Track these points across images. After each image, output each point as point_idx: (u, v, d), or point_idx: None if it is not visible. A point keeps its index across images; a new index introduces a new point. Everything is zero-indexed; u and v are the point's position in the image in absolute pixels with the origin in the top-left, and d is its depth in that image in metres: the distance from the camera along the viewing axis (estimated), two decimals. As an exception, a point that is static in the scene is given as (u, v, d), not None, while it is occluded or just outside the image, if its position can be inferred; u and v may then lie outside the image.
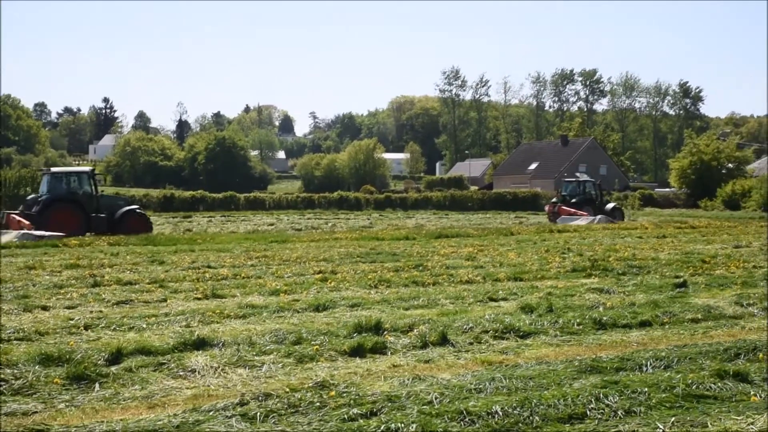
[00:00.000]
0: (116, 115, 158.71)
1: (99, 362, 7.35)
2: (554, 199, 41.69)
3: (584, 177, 45.10)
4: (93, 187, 27.77)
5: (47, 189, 27.17)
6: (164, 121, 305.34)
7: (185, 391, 6.63)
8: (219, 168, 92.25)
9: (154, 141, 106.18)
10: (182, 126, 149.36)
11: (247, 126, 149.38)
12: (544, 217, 44.73)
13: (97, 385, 6.74)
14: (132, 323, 9.44)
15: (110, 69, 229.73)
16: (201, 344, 8.09)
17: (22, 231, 24.16)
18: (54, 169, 29.11)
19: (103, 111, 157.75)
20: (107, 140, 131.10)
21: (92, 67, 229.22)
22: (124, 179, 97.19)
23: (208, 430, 5.28)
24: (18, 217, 25.85)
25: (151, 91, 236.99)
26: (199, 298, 11.67)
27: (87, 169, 30.60)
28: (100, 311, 10.45)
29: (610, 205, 41.13)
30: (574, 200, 39.73)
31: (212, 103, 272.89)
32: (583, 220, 36.06)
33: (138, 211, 29.22)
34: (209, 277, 14.24)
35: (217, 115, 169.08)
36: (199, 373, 7.13)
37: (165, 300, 11.46)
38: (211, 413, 5.73)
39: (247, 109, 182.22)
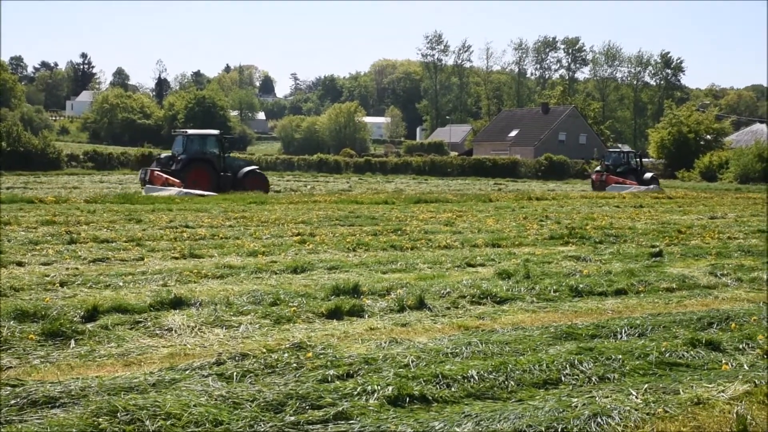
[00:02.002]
0: (94, 71, 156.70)
1: (75, 319, 7.31)
2: (598, 168, 43.25)
3: (626, 148, 46.75)
4: (220, 149, 29.89)
5: (183, 149, 29.20)
6: (143, 78, 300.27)
7: (161, 350, 6.62)
8: (198, 127, 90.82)
9: (133, 98, 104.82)
10: (161, 84, 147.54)
11: (227, 86, 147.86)
12: (523, 184, 45.00)
13: (72, 341, 6.71)
14: (108, 281, 9.39)
15: (88, 24, 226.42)
16: (178, 303, 8.06)
17: (183, 189, 26.31)
18: (189, 132, 31.35)
19: (81, 66, 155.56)
20: (85, 96, 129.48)
21: (70, 21, 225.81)
22: (101, 137, 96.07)
23: (184, 388, 5.27)
24: (165, 175, 28.03)
25: (130, 48, 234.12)
26: (176, 258, 11.62)
27: (216, 132, 32.39)
28: (76, 268, 10.38)
29: (648, 175, 42.73)
30: (619, 170, 41.55)
31: (192, 61, 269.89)
32: (633, 188, 37.68)
33: (258, 171, 31.46)
34: (187, 236, 14.18)
35: (197, 74, 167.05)
36: (175, 331, 7.12)
37: (142, 258, 11.40)
38: (187, 372, 5.73)
39: (227, 69, 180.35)
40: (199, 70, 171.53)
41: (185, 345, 6.77)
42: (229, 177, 29.37)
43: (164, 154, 31.63)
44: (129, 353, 6.49)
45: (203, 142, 30.05)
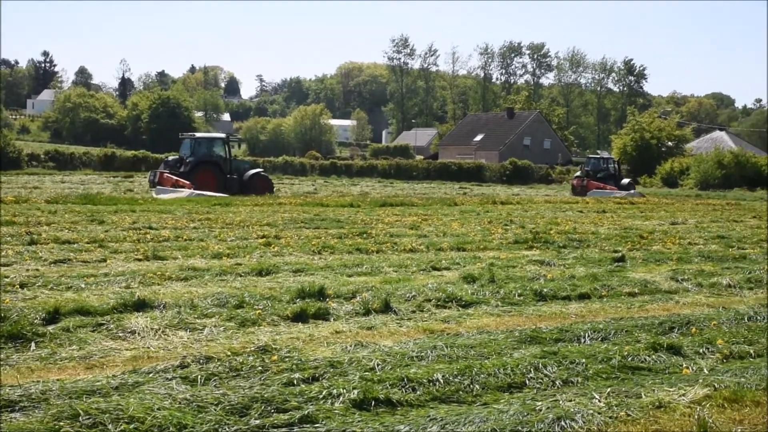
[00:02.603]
0: (56, 69, 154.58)
1: (35, 321, 7.20)
2: (578, 173, 44.52)
3: (605, 154, 47.93)
4: (227, 152, 30.91)
5: (191, 152, 30.08)
6: (106, 78, 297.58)
7: (124, 353, 6.55)
8: (162, 128, 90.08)
9: (96, 98, 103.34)
10: (125, 84, 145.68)
11: (192, 86, 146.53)
12: (487, 189, 45.34)
13: (33, 344, 6.61)
14: (70, 282, 9.26)
15: (50, 21, 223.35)
16: (141, 305, 7.98)
17: (195, 191, 27.03)
18: (197, 135, 32.65)
19: (43, 65, 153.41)
20: (46, 95, 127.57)
21: (31, 19, 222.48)
22: (63, 136, 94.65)
23: (147, 391, 5.22)
24: (174, 177, 28.82)
25: (93, 47, 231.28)
26: (139, 259, 11.50)
27: (223, 135, 33.50)
28: (37, 270, 10.22)
29: (625, 180, 44.15)
30: (599, 175, 42.78)
31: (157, 61, 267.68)
32: (616, 193, 38.83)
33: (263, 173, 32.60)
34: (150, 238, 14.04)
35: (162, 74, 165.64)
36: (139, 334, 7.04)
37: (104, 260, 11.26)
38: (150, 375, 5.67)
39: (192, 69, 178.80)
40: (163, 71, 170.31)
41: (149, 348, 6.70)
42: (235, 179, 30.20)
43: (171, 156, 32.69)
44: (91, 356, 6.41)
45: (210, 144, 31.00)
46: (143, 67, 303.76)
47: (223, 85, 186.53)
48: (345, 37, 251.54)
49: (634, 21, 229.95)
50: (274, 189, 32.50)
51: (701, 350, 6.98)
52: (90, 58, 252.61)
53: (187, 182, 28.37)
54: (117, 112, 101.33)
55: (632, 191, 40.45)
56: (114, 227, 15.58)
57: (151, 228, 15.58)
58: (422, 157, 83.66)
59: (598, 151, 52.45)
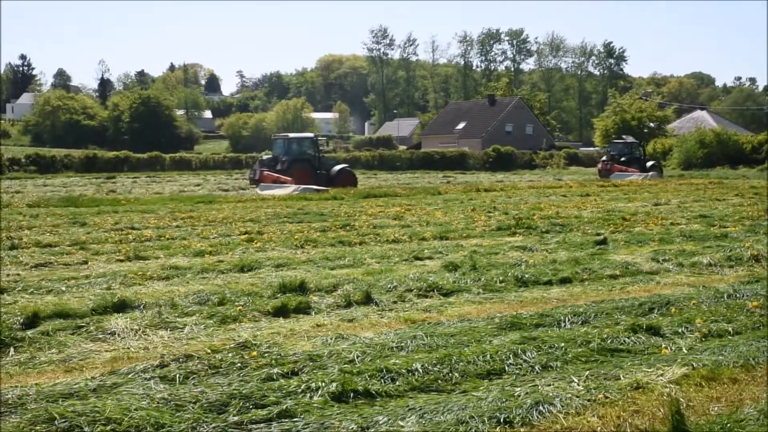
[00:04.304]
0: (34, 72, 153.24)
1: (14, 326, 7.15)
2: (604, 158, 45.54)
3: (630, 139, 48.98)
4: (316, 149, 32.94)
5: (284, 151, 32.20)
6: (85, 79, 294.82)
7: (104, 354, 6.52)
8: (144, 128, 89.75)
9: (75, 100, 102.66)
10: (105, 84, 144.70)
11: (172, 85, 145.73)
12: (471, 176, 45.44)
13: (11, 349, 6.57)
14: (51, 286, 9.20)
15: (27, 24, 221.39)
16: (122, 306, 7.95)
17: (300, 186, 28.48)
18: (290, 135, 34.64)
19: (21, 68, 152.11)
20: (25, 99, 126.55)
21: (7, 22, 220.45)
22: (44, 139, 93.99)
23: (125, 392, 5.20)
24: (274, 174, 30.60)
25: (71, 48, 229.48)
26: (121, 260, 11.44)
27: (311, 135, 36.14)
28: (18, 274, 10.16)
29: (650, 163, 45.17)
30: (623, 159, 43.66)
31: (136, 61, 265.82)
32: (636, 176, 39.65)
33: (347, 168, 34.47)
34: (132, 238, 13.97)
35: (141, 74, 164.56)
36: (118, 335, 7.01)
37: (86, 262, 11.20)
38: (129, 376, 5.65)
39: (172, 68, 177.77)
40: (143, 70, 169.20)
41: (128, 348, 6.68)
42: (323, 174, 32.12)
43: (265, 155, 34.73)
44: (70, 359, 6.38)
45: (301, 143, 33.14)
46: (122, 67, 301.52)
47: (203, 82, 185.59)
48: (324, 30, 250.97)
49: (613, 3, 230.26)
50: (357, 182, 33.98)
51: (680, 330, 7.01)
52: (68, 60, 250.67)
53: (290, 178, 29.83)
54: (97, 113, 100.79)
55: (649, 174, 41.16)
56: (96, 229, 15.49)
57: (133, 228, 15.51)
58: (405, 147, 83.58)
59: (624, 136, 53.37)
